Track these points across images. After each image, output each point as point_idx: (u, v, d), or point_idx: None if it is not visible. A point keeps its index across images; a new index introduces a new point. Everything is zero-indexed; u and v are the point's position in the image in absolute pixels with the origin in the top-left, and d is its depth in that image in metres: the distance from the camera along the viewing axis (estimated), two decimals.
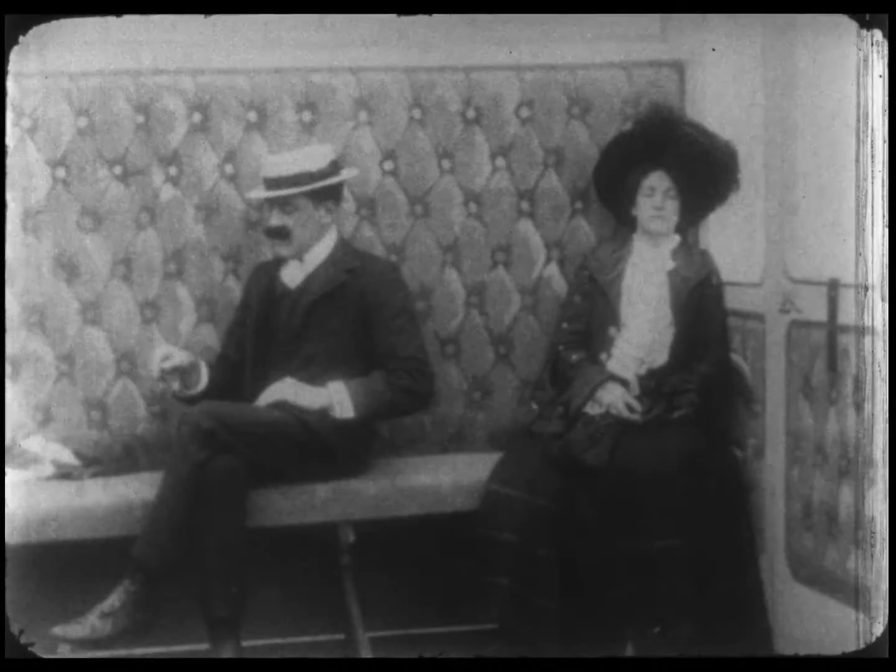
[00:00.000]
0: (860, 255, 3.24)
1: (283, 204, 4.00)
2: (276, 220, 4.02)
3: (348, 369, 3.97)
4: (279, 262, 4.11)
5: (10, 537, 3.40)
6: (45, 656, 3.30)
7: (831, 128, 3.54)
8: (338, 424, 3.90)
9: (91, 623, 3.65)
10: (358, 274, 4.03)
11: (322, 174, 4.02)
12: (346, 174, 4.13)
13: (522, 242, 4.39)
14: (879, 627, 3.16)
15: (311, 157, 4.04)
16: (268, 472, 3.82)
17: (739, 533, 3.93)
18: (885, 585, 3.18)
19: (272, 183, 4.00)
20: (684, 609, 3.80)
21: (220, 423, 3.75)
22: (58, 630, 3.63)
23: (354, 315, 4.00)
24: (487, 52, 4.32)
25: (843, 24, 3.20)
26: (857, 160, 3.22)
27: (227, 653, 3.69)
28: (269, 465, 3.82)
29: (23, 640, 3.18)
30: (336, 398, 3.91)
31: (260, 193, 4.05)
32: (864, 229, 3.23)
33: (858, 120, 3.19)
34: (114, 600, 3.67)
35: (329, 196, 4.06)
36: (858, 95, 3.19)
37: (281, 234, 4.02)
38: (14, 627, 3.19)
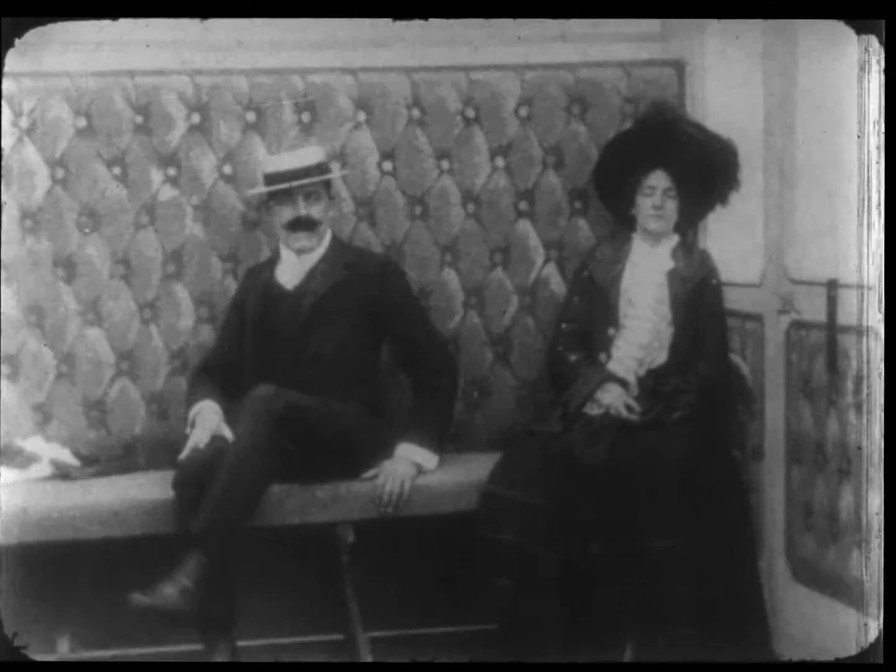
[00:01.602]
0: (860, 255, 3.24)
1: (307, 195, 4.00)
2: (304, 210, 4.00)
3: (353, 365, 4.01)
4: (272, 262, 4.11)
5: (9, 538, 3.39)
6: (39, 659, 3.30)
7: (830, 129, 3.54)
8: (368, 425, 3.98)
9: (167, 593, 3.59)
10: (356, 268, 4.05)
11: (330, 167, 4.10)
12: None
13: (521, 243, 4.39)
14: (879, 626, 3.16)
15: (320, 151, 4.08)
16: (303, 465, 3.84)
17: (738, 534, 3.92)
18: (884, 586, 3.18)
19: (291, 174, 3.97)
20: (683, 610, 3.79)
21: (290, 405, 3.79)
22: (138, 597, 3.56)
23: (357, 310, 4.02)
24: (486, 52, 4.32)
25: (840, 31, 3.21)
26: (857, 161, 3.22)
27: (220, 654, 3.69)
28: (315, 455, 3.85)
29: (16, 643, 3.17)
30: (416, 458, 3.98)
31: (297, 181, 3.98)
32: (863, 230, 3.22)
33: (858, 123, 3.19)
34: (181, 578, 3.60)
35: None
36: (858, 99, 3.19)
37: (309, 223, 4.01)
38: (8, 629, 3.19)
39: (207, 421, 3.87)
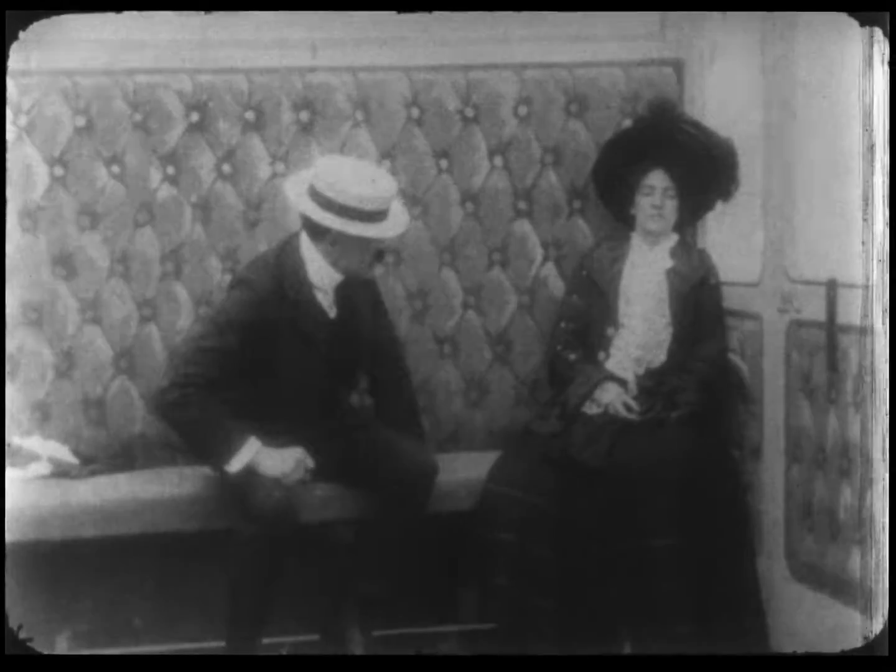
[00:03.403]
0: (860, 254, 3.24)
1: None
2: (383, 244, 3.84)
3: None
4: (302, 281, 3.78)
5: (9, 536, 3.39)
6: (44, 652, 3.30)
7: (831, 127, 3.54)
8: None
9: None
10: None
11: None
12: None
13: (520, 242, 4.39)
14: (879, 625, 3.16)
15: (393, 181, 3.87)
16: None
17: (736, 533, 3.93)
18: (885, 585, 3.18)
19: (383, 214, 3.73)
20: (681, 609, 3.80)
21: None
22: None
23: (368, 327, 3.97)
24: (485, 51, 4.32)
25: (844, 23, 3.19)
26: (859, 158, 3.21)
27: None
28: None
29: (21, 636, 3.16)
30: None
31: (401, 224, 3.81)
32: (864, 228, 3.22)
33: (861, 119, 3.19)
34: None
35: None
36: (860, 94, 3.19)
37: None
38: (13, 623, 3.18)
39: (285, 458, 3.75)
